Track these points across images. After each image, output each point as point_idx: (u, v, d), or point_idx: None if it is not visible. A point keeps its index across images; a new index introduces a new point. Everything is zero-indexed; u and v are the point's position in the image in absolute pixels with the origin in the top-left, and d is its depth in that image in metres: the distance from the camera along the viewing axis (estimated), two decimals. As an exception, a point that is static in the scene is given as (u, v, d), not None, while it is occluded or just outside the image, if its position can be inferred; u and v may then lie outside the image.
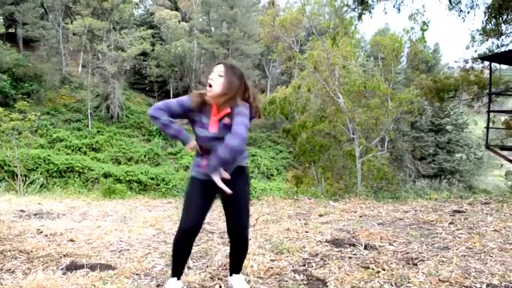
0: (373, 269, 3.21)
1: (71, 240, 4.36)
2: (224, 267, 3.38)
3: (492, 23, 11.05)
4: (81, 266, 3.43)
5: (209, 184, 2.63)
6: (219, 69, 2.63)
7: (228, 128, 2.57)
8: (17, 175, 14.60)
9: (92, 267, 3.40)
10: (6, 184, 12.50)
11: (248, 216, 2.83)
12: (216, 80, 2.60)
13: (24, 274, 3.24)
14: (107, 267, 3.45)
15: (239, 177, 2.74)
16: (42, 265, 3.50)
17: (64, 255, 3.79)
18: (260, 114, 2.75)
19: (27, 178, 13.92)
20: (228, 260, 3.05)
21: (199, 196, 2.76)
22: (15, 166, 16.46)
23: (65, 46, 38.12)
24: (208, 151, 2.70)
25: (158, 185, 26.23)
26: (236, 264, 2.98)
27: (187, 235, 2.76)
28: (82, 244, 4.22)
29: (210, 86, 2.60)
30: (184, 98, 2.72)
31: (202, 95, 2.67)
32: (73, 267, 3.45)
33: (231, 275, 3.00)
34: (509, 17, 11.10)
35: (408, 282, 2.92)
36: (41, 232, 4.66)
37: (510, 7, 9.59)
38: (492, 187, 23.73)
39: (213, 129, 2.64)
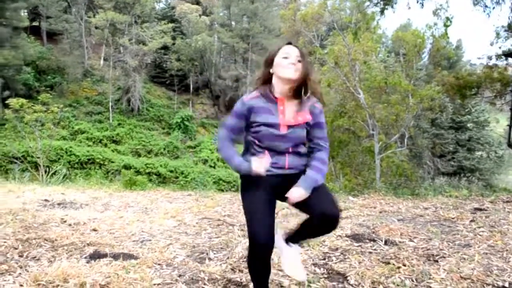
0: (393, 264, 3.21)
1: (94, 230, 4.45)
2: (245, 259, 3.40)
3: (518, 19, 10.83)
4: (104, 255, 3.51)
5: (276, 180, 2.36)
6: (295, 53, 2.34)
7: (300, 127, 2.34)
8: (39, 166, 14.92)
9: (115, 256, 3.47)
10: (29, 174, 12.76)
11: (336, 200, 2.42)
12: (297, 66, 2.30)
13: (49, 262, 3.32)
14: (130, 256, 3.52)
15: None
16: (66, 253, 3.59)
17: (88, 244, 3.87)
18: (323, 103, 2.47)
19: (49, 169, 14.17)
20: None
21: (265, 198, 2.36)
22: (38, 157, 16.80)
23: (87, 39, 38.56)
24: (268, 148, 2.36)
25: (177, 177, 26.46)
26: (307, 235, 2.57)
27: (263, 251, 2.32)
28: (105, 234, 4.31)
29: (292, 68, 2.29)
30: (240, 108, 2.39)
31: (268, 85, 2.39)
32: (96, 255, 3.53)
33: (288, 243, 2.57)
34: (535, 13, 10.87)
35: (429, 278, 2.92)
36: (65, 221, 4.76)
37: (537, 3, 9.38)
38: (513, 186, 23.33)
39: (283, 129, 2.32)
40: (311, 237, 2.69)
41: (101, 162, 26.22)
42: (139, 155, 30.23)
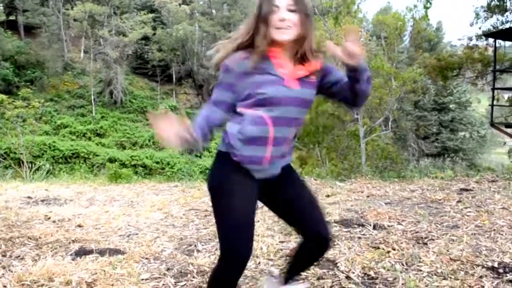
0: (383, 249, 3.20)
1: (79, 226, 4.37)
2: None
3: (497, -1, 10.90)
4: (90, 251, 3.44)
5: (262, 185, 1.91)
6: (289, 1, 1.76)
7: (313, 87, 1.88)
8: (23, 162, 14.68)
9: (101, 252, 3.41)
10: (12, 171, 12.55)
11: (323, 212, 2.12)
12: (291, 19, 1.76)
13: (33, 261, 3.24)
14: (116, 251, 3.45)
15: (292, 172, 2.03)
16: (51, 251, 3.51)
17: (73, 241, 3.79)
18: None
19: (33, 165, 13.96)
20: None
21: (250, 205, 1.88)
22: (21, 153, 16.54)
23: (66, 32, 37.95)
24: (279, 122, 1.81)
25: (163, 169, 26.37)
26: (304, 265, 2.26)
27: (239, 267, 1.88)
28: (90, 229, 4.23)
29: (284, 28, 1.76)
30: (225, 76, 1.83)
31: (261, 47, 1.77)
32: (82, 252, 3.46)
33: (287, 282, 2.25)
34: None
35: (419, 262, 2.91)
36: (49, 218, 4.67)
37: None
38: (496, 165, 23.69)
39: (294, 85, 1.80)
40: (308, 266, 2.37)
41: (86, 156, 25.97)
42: (124, 148, 30.02)
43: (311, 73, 1.85)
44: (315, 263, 2.34)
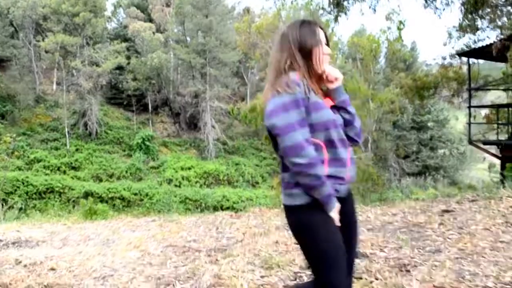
0: (366, 279, 3.13)
1: (52, 269, 4.17)
2: (213, 287, 3.25)
3: (468, 19, 11.19)
4: (63, 297, 3.27)
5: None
6: (324, 36, 1.97)
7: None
8: (-5, 200, 14.24)
9: (74, 298, 3.24)
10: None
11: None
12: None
13: (2, 311, 3.07)
14: (90, 296, 3.29)
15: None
16: (21, 299, 3.33)
17: (45, 286, 3.62)
18: None
19: (5, 202, 13.55)
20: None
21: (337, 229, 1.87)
22: (-7, 191, 16.08)
23: (37, 64, 37.46)
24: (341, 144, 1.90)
25: (142, 200, 25.89)
26: None
27: None
28: (63, 272, 4.04)
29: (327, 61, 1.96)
30: (299, 91, 1.81)
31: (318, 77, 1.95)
32: (54, 298, 3.29)
33: None
34: (484, 12, 11.24)
35: (403, 291, 2.84)
36: (20, 262, 4.45)
37: (485, 2, 9.72)
38: (477, 181, 24.07)
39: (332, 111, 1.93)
40: None
41: (61, 191, 25.32)
42: (101, 180, 29.42)
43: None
44: None
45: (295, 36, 1.92)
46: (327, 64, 1.93)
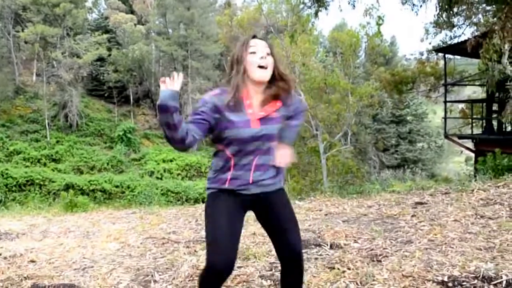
0: (338, 269, 3.23)
1: (32, 261, 4.20)
2: (191, 278, 3.33)
3: (444, 16, 11.39)
4: (43, 288, 3.32)
5: (244, 198, 2.19)
6: (264, 45, 2.13)
7: (273, 122, 2.14)
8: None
9: (54, 288, 3.29)
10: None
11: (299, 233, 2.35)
12: (268, 61, 2.10)
13: (-19, 302, 3.11)
14: (70, 287, 3.34)
15: (283, 196, 2.33)
16: (2, 290, 3.37)
17: (25, 278, 3.64)
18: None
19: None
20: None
21: (228, 217, 2.14)
22: (-29, 183, 15.87)
23: (17, 55, 36.90)
24: (244, 155, 2.13)
25: (123, 192, 25.82)
26: None
27: (218, 276, 2.09)
28: (43, 264, 4.08)
29: (265, 67, 2.09)
30: (203, 105, 2.11)
31: (241, 86, 2.09)
32: (35, 289, 3.33)
33: None
34: (459, 9, 11.46)
35: (373, 280, 2.96)
36: (0, 254, 4.48)
37: (460, 0, 9.92)
38: (454, 174, 24.53)
39: (255, 124, 2.09)
40: None
41: (41, 183, 25.09)
42: (82, 172, 29.22)
43: (271, 112, 2.15)
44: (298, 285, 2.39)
45: (232, 54, 2.18)
46: (261, 70, 2.09)
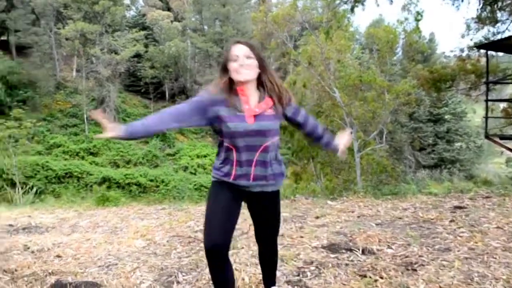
0: (370, 277, 3.05)
1: (58, 256, 4.20)
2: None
3: (487, 10, 10.89)
4: (66, 286, 3.27)
5: (243, 192, 2.39)
6: (243, 51, 2.29)
7: (267, 119, 2.29)
8: (15, 184, 14.50)
9: (77, 286, 3.25)
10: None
11: (279, 224, 2.69)
12: (246, 65, 2.28)
13: (6, 297, 3.09)
14: (93, 285, 3.29)
15: (277, 198, 2.55)
16: (26, 285, 3.36)
17: (50, 273, 3.63)
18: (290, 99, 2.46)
19: (26, 186, 13.76)
20: None
21: (228, 200, 2.36)
22: (14, 174, 16.38)
23: (58, 51, 37.87)
24: (241, 149, 2.29)
25: (157, 186, 26.11)
26: (268, 274, 2.77)
27: (210, 256, 2.29)
28: (69, 260, 4.07)
29: (245, 70, 2.28)
30: (200, 97, 2.33)
31: (233, 85, 2.32)
32: (57, 286, 3.30)
33: None
34: (504, 3, 10.91)
35: (408, 292, 2.76)
36: (28, 248, 4.51)
37: (505, -6, 9.43)
38: (493, 175, 23.60)
39: (250, 120, 2.26)
40: (269, 270, 2.79)
41: (79, 176, 25.67)
42: (118, 166, 29.75)
43: (265, 109, 2.31)
44: (271, 264, 2.75)
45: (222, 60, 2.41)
46: (241, 74, 2.27)
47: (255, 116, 2.27)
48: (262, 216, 2.56)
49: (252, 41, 2.57)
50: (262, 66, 2.33)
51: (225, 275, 2.36)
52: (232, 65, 2.28)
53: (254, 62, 2.29)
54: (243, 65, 2.26)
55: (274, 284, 2.78)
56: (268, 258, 2.72)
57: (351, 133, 2.21)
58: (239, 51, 2.29)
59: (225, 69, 2.33)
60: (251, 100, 2.31)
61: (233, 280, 2.44)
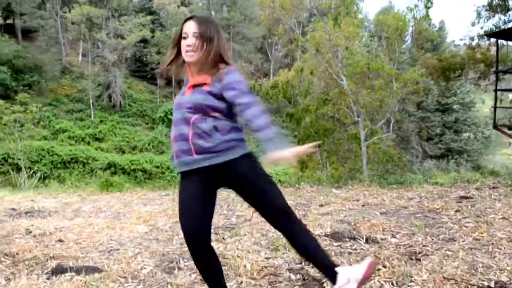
0: (373, 266, 3.00)
1: (60, 240, 4.20)
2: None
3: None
4: (67, 270, 3.26)
5: (205, 177, 2.16)
6: (192, 29, 2.16)
7: (199, 92, 2.13)
8: (20, 168, 14.55)
9: (78, 271, 3.23)
10: (3, 179, 12.44)
11: (280, 197, 2.25)
12: (194, 45, 2.15)
13: (6, 280, 3.09)
14: (94, 270, 3.27)
15: (244, 168, 2.16)
16: (27, 269, 3.35)
17: (51, 257, 3.62)
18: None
19: (31, 170, 13.82)
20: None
21: (187, 194, 2.23)
22: (19, 159, 16.43)
23: (64, 35, 37.85)
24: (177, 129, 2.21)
25: (163, 173, 26.20)
26: (315, 259, 2.34)
27: (190, 243, 2.22)
28: (70, 245, 4.06)
29: (189, 51, 2.17)
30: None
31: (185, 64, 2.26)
32: (58, 270, 3.28)
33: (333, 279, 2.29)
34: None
35: (410, 281, 2.71)
36: (30, 232, 4.51)
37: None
38: (501, 166, 23.44)
39: (188, 93, 2.18)
40: (311, 256, 2.36)
41: (84, 161, 25.81)
42: (123, 152, 29.86)
43: (201, 83, 2.15)
44: (307, 248, 2.30)
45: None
46: (188, 54, 2.17)
47: (191, 89, 2.18)
48: (249, 195, 2.25)
49: (207, 16, 2.46)
50: (210, 43, 2.15)
51: (206, 263, 2.27)
52: (182, 43, 2.20)
53: (201, 42, 2.14)
54: (190, 45, 2.15)
55: (334, 267, 2.30)
56: (301, 246, 2.30)
57: (316, 147, 2.06)
58: (188, 27, 2.18)
59: (174, 46, 2.28)
60: (193, 73, 2.23)
61: (218, 268, 2.33)
